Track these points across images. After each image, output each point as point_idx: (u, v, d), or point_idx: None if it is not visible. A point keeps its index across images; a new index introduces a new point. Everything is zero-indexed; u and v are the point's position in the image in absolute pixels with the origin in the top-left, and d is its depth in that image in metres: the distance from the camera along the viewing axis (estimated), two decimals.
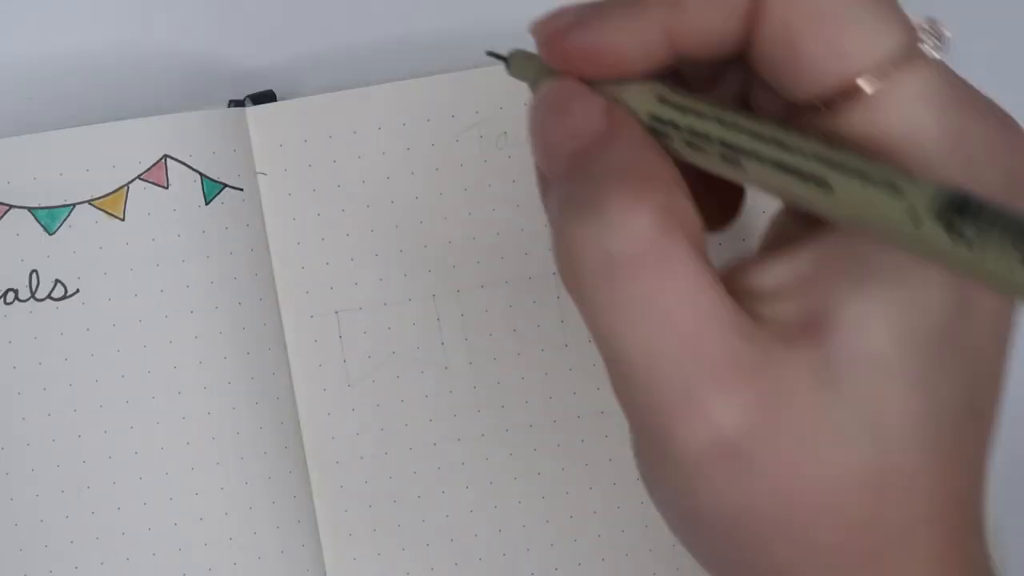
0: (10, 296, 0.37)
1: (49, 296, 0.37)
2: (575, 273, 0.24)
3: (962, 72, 0.24)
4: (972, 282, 0.20)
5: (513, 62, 0.27)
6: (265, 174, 0.38)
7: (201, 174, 0.37)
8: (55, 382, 0.37)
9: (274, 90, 0.39)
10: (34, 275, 0.37)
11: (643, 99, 0.24)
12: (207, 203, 0.38)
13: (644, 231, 0.23)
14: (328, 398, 0.38)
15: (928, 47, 0.24)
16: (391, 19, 0.40)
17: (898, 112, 0.23)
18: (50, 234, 0.37)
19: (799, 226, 0.25)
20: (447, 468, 0.39)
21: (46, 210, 0.37)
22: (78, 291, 0.37)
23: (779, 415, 0.23)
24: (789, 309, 0.24)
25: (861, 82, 0.23)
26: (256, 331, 0.38)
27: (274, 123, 0.38)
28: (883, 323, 0.23)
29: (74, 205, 0.37)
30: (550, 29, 0.25)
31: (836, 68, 0.23)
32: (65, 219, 0.37)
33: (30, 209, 0.37)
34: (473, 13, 0.40)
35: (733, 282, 0.25)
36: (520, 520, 0.39)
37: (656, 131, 0.24)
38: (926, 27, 0.25)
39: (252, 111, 0.38)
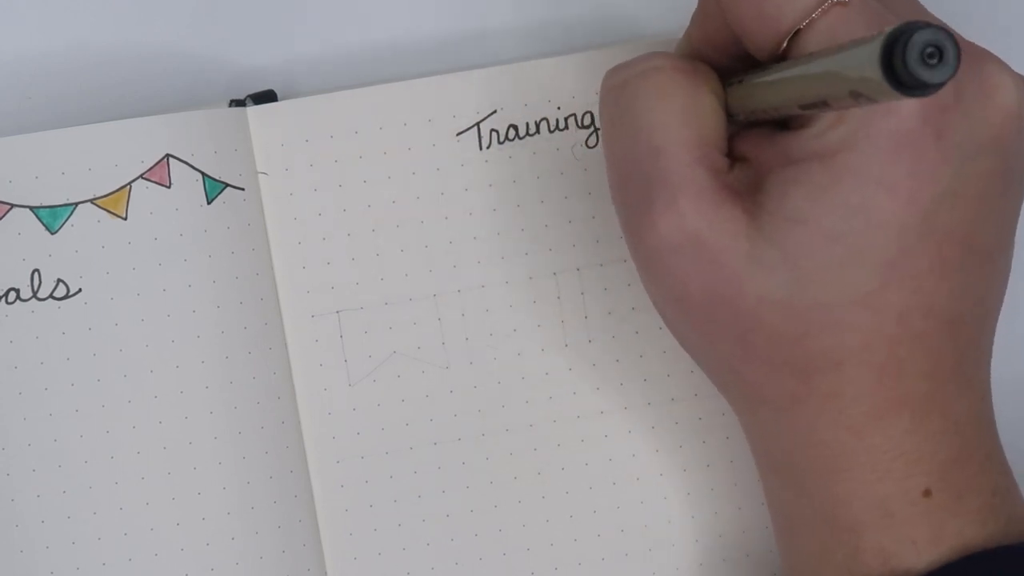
0: (12, 296, 0.37)
1: (51, 296, 0.37)
2: (600, 100, 0.33)
3: None
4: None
5: None
6: (266, 174, 0.38)
7: (203, 173, 0.37)
8: (57, 382, 0.37)
9: (275, 90, 0.39)
10: (36, 274, 0.37)
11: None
12: (209, 202, 0.37)
13: (651, 64, 0.31)
14: (329, 398, 0.38)
15: None
16: (391, 19, 0.40)
17: (818, 43, 0.29)
18: (52, 233, 0.37)
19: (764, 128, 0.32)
20: (447, 468, 0.39)
21: (48, 209, 0.37)
22: (80, 290, 0.37)
23: (713, 235, 0.30)
24: (741, 173, 0.31)
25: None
26: (258, 331, 0.38)
27: (275, 123, 0.38)
28: (802, 191, 0.29)
29: (76, 204, 0.37)
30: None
31: (769, 28, 0.30)
32: (67, 218, 0.37)
33: (32, 208, 0.37)
34: (473, 13, 0.40)
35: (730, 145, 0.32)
36: (520, 520, 0.39)
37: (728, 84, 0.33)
38: None
39: (253, 111, 0.38)
